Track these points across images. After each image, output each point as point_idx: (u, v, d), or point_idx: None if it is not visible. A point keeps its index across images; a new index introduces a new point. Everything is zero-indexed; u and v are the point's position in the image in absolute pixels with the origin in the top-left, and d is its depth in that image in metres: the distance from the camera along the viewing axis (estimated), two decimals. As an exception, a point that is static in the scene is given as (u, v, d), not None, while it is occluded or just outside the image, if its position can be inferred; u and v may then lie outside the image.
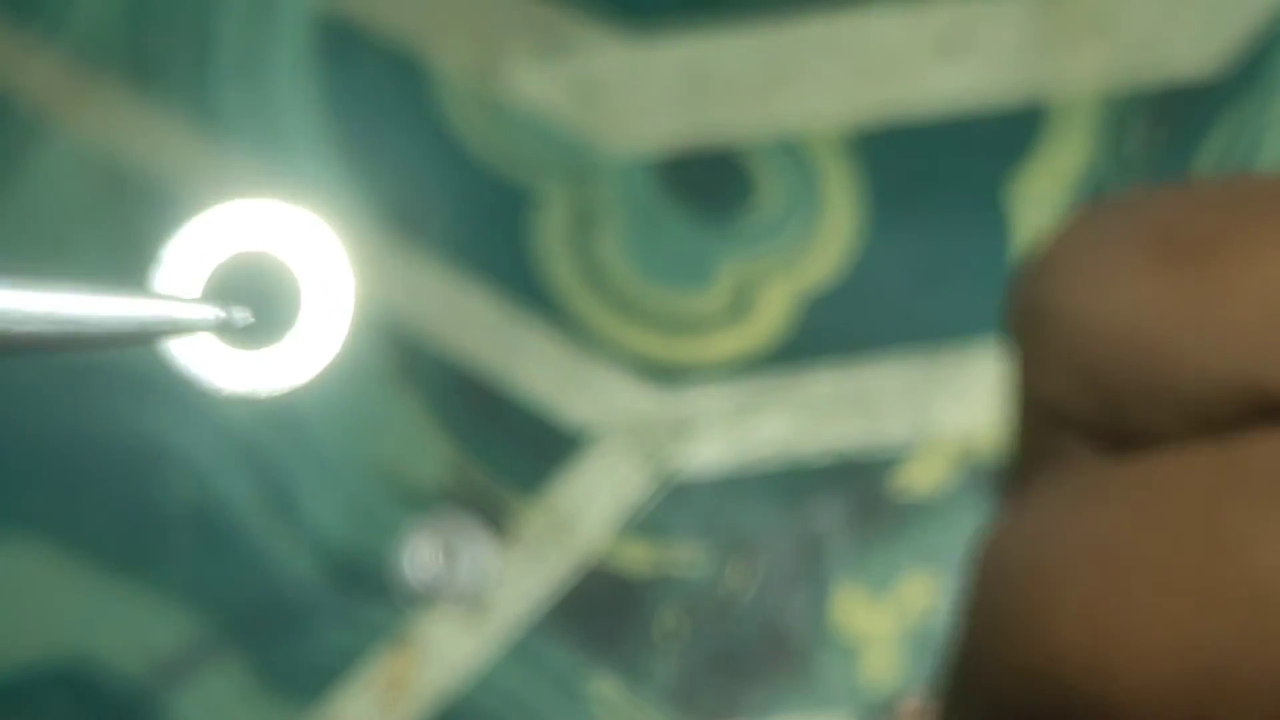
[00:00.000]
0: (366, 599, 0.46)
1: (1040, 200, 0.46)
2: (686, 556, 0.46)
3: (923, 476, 0.46)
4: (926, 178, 0.47)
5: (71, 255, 0.48)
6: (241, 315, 0.16)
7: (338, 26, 0.49)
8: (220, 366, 0.15)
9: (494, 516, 0.46)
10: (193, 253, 0.15)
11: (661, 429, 0.46)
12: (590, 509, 0.46)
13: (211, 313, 0.16)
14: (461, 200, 0.47)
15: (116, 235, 0.48)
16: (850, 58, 0.47)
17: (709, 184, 0.47)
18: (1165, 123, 0.46)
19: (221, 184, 0.47)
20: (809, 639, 0.45)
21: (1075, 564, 0.12)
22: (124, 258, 0.47)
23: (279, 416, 0.46)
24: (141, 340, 0.16)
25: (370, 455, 0.46)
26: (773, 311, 0.46)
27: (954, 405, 0.46)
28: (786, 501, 0.46)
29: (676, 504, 0.46)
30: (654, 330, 0.47)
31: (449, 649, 0.46)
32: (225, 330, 0.16)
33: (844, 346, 0.46)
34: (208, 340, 0.15)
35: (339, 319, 0.15)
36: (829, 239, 0.47)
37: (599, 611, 0.45)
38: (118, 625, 0.46)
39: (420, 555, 0.46)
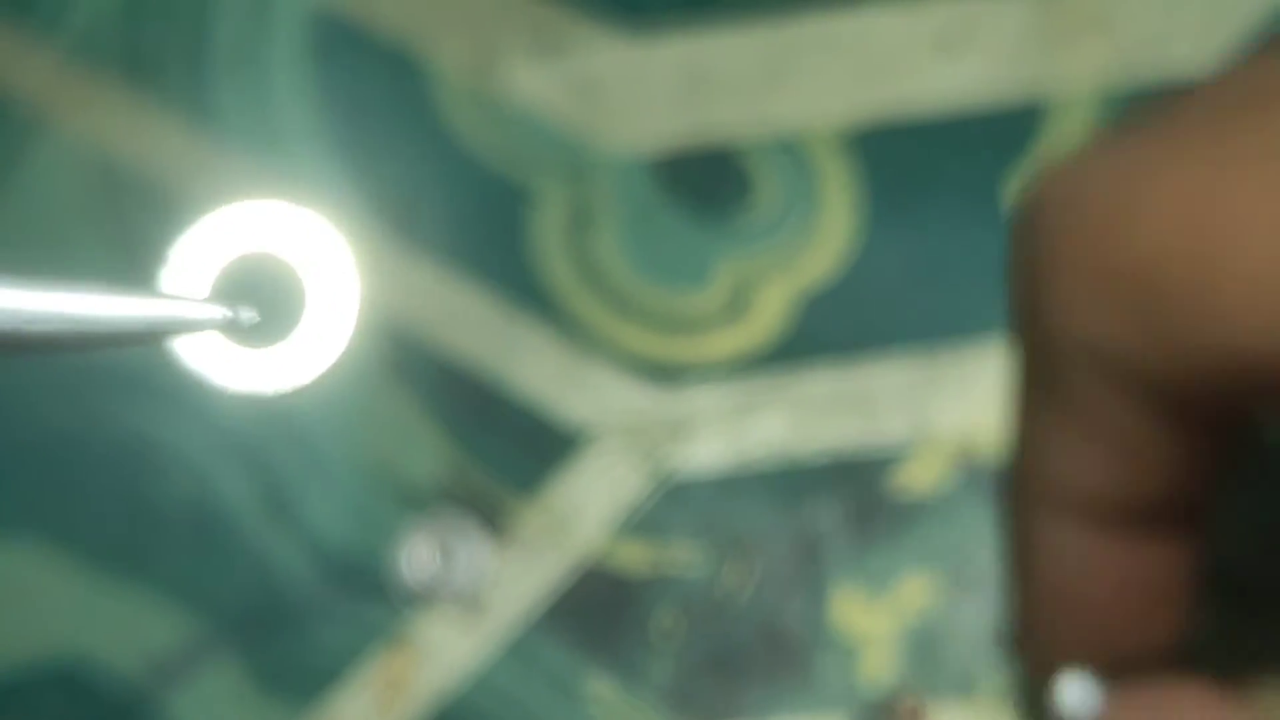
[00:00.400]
0: (363, 599, 0.46)
1: (1039, 199, 0.46)
2: (684, 556, 0.46)
3: (922, 476, 0.45)
4: (926, 176, 0.47)
5: (67, 253, 0.48)
6: (248, 314, 0.16)
7: (334, 24, 0.48)
8: (227, 365, 0.16)
9: (491, 516, 0.46)
10: (200, 252, 0.16)
11: (659, 428, 0.46)
12: (587, 509, 0.46)
13: (218, 312, 0.16)
14: (458, 199, 0.47)
15: (112, 233, 0.48)
16: (849, 56, 0.47)
17: (707, 183, 0.47)
18: (1165, 121, 0.46)
19: (218, 182, 0.47)
20: (807, 639, 0.45)
21: (1169, 161, 0.12)
22: (120, 256, 0.47)
23: (275, 415, 0.46)
24: (150, 339, 0.16)
25: (366, 455, 0.46)
26: (771, 310, 0.46)
27: (953, 405, 0.46)
28: (784, 501, 0.46)
29: (674, 504, 0.46)
30: (651, 329, 0.46)
31: (446, 649, 0.46)
32: (232, 329, 0.16)
33: (842, 346, 0.46)
34: (215, 339, 0.16)
35: (343, 319, 0.15)
36: (827, 237, 0.47)
37: (596, 611, 0.45)
38: (113, 625, 0.46)
39: (417, 555, 0.46)
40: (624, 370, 0.46)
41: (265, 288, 0.38)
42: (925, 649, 0.45)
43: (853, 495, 0.46)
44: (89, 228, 0.48)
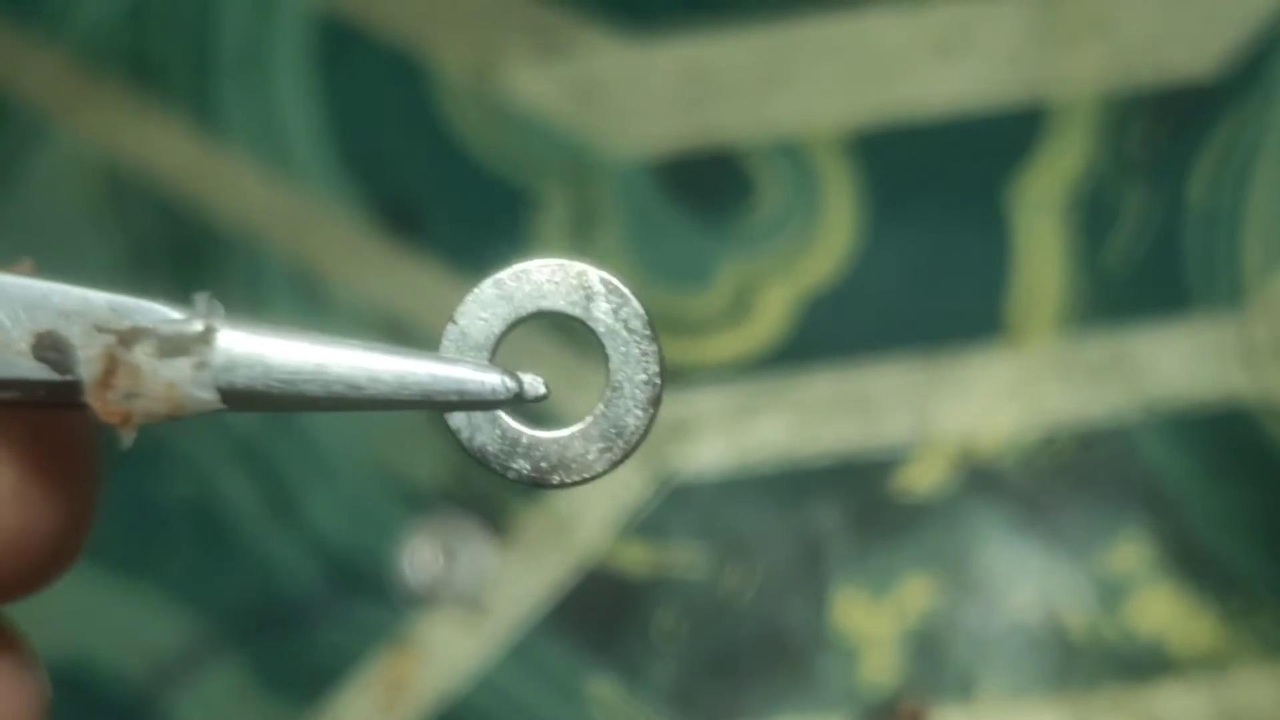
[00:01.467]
0: (366, 600, 0.46)
1: (1039, 201, 0.46)
2: (685, 558, 0.46)
3: (922, 477, 0.46)
4: (926, 179, 0.47)
5: (71, 255, 0.48)
6: (533, 385, 0.15)
7: (337, 27, 0.49)
8: (508, 444, 0.14)
9: (493, 518, 0.46)
10: (485, 315, 0.14)
11: (661, 430, 0.46)
12: (589, 510, 0.46)
13: (502, 381, 0.14)
14: (460, 201, 0.47)
15: (116, 235, 0.48)
16: (849, 59, 0.47)
17: (708, 185, 0.47)
18: (1165, 123, 0.46)
19: (220, 183, 0.47)
20: (808, 640, 0.45)
21: None
22: (124, 255, 0.47)
23: (278, 418, 0.46)
24: (428, 406, 0.14)
25: (370, 457, 0.46)
26: (772, 313, 0.46)
27: (953, 406, 0.46)
28: (786, 503, 0.46)
29: (676, 505, 0.46)
30: (653, 331, 0.47)
31: (448, 650, 0.46)
32: (516, 403, 0.14)
33: (843, 348, 0.46)
34: (496, 414, 0.14)
35: (640, 394, 0.14)
36: (828, 240, 0.47)
37: (598, 613, 0.45)
38: (118, 626, 0.46)
39: (420, 556, 0.46)
40: (626, 372, 0.46)
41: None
42: (926, 650, 0.45)
43: (854, 497, 0.46)
44: (93, 227, 0.48)
